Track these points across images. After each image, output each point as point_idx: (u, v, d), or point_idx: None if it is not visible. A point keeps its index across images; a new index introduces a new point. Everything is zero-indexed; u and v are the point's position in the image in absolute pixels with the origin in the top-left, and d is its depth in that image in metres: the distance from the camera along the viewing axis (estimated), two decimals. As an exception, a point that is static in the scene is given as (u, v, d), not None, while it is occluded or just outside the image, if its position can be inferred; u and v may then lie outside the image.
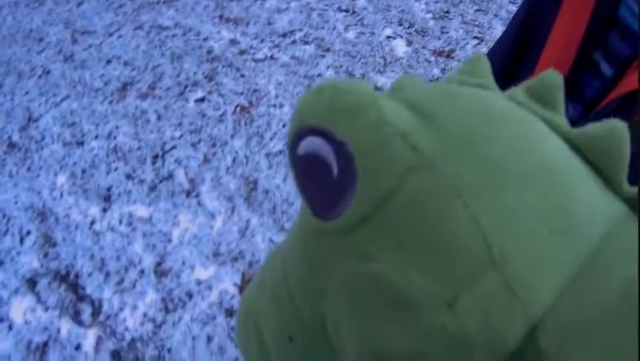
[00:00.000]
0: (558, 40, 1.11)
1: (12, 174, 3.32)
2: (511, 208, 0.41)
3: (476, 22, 4.51)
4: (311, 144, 0.45)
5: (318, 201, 0.47)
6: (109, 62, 4.18)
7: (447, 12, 4.64)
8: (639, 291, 0.38)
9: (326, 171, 0.44)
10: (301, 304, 0.54)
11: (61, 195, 3.18)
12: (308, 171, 0.47)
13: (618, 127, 0.45)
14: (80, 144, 3.49)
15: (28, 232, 3.00)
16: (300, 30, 4.45)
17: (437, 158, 0.42)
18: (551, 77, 0.52)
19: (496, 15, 4.58)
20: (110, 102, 3.79)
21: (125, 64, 4.14)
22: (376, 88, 3.71)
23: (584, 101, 1.04)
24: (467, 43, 4.26)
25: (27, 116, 3.73)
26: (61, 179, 3.27)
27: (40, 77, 4.09)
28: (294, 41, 4.34)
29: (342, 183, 0.44)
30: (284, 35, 4.40)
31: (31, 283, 2.78)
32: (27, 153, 3.45)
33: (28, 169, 3.35)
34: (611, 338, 0.38)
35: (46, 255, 2.89)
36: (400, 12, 4.64)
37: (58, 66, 4.17)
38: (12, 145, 3.52)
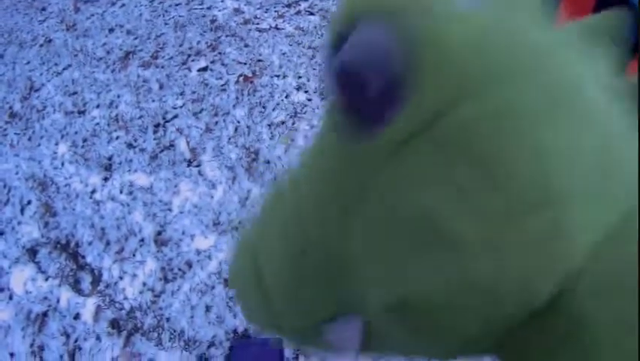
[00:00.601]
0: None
1: (13, 144, 3.31)
2: (571, 144, 0.38)
3: None
4: (370, 35, 0.40)
5: (362, 112, 0.42)
6: (111, 30, 4.16)
7: None
8: None
9: (380, 72, 0.39)
10: (316, 232, 0.50)
11: (62, 164, 3.17)
12: (356, 73, 0.41)
13: None
14: (82, 113, 3.47)
15: (29, 202, 3.00)
16: (305, 0, 4.41)
17: (499, 83, 0.38)
18: (607, 18, 0.48)
19: None
20: (112, 71, 3.77)
21: (128, 33, 4.12)
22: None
23: None
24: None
25: (28, 86, 3.72)
26: (62, 148, 3.26)
27: (41, 46, 4.07)
28: (298, 12, 4.30)
29: (399, 87, 0.39)
30: (289, 5, 4.36)
31: (32, 252, 2.78)
32: (28, 123, 3.45)
33: (29, 139, 3.34)
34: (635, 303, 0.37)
35: (46, 224, 2.88)
36: None
37: (60, 35, 4.16)
38: (13, 115, 3.51)
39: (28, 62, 3.92)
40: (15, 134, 3.37)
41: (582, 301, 0.38)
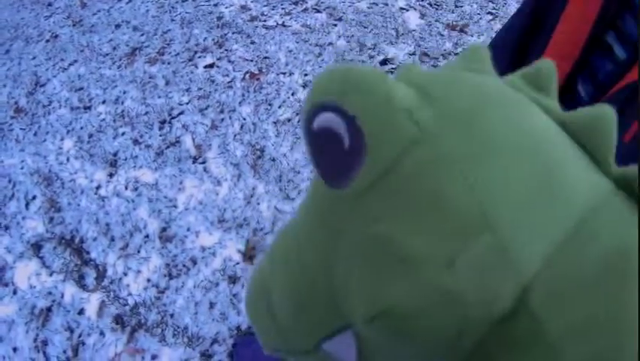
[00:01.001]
0: (571, 20, 1.09)
1: (19, 139, 3.32)
2: (505, 177, 0.44)
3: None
4: (325, 119, 0.48)
5: (331, 172, 0.50)
6: (118, 26, 4.17)
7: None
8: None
9: (338, 144, 0.48)
10: (315, 269, 0.57)
11: (68, 159, 3.18)
12: (322, 144, 0.50)
13: (608, 109, 0.49)
14: (87, 108, 3.48)
15: (34, 197, 3.01)
16: None
17: (437, 132, 0.45)
18: (546, 66, 0.56)
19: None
20: (119, 67, 3.77)
21: (135, 29, 4.12)
22: (386, 60, 3.69)
23: (597, 82, 1.03)
24: (481, 18, 4.21)
25: (34, 81, 3.73)
26: (68, 144, 3.27)
27: (47, 41, 4.08)
28: (305, 9, 4.30)
29: (353, 154, 0.47)
30: (295, 3, 4.36)
31: (36, 247, 2.79)
32: (34, 118, 3.45)
33: (35, 134, 3.35)
34: (591, 304, 0.41)
35: (51, 220, 2.89)
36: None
37: (66, 31, 4.16)
38: (19, 110, 3.52)
39: (34, 58, 3.93)
40: (20, 129, 3.38)
41: (536, 308, 0.43)
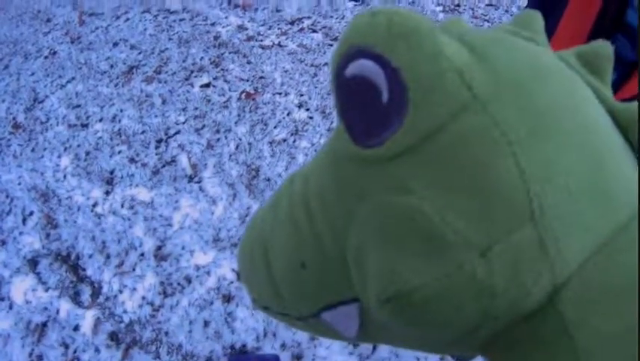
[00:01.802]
0: (562, 40, 1.11)
1: (16, 155, 3.34)
2: (556, 163, 0.41)
3: (487, 17, 4.51)
4: (362, 66, 0.43)
5: (361, 127, 0.46)
6: (116, 44, 4.19)
7: (457, 5, 4.64)
8: None
9: (374, 97, 0.43)
10: (322, 228, 0.53)
11: (65, 176, 3.20)
12: (355, 95, 0.45)
13: None
14: (85, 126, 3.50)
15: (31, 213, 3.03)
16: (309, 18, 4.45)
17: (490, 100, 0.42)
18: (603, 48, 0.53)
19: (506, 11, 4.58)
20: (116, 85, 3.80)
21: (132, 47, 4.15)
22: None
23: None
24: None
25: (32, 97, 3.75)
26: (65, 161, 3.29)
27: (46, 58, 4.10)
28: (301, 29, 4.34)
29: (391, 111, 0.43)
30: (292, 23, 4.40)
31: (33, 263, 2.80)
32: (32, 134, 3.47)
33: (33, 150, 3.37)
34: (628, 311, 0.39)
35: (47, 236, 2.91)
36: (409, 3, 4.67)
37: (64, 48, 4.19)
38: (17, 126, 3.54)
39: (33, 74, 3.96)
40: (18, 145, 3.40)
41: (566, 311, 0.41)
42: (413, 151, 0.43)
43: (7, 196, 3.09)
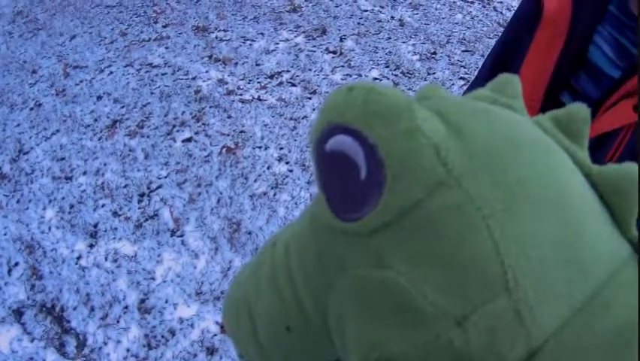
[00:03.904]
0: (527, 79, 1.11)
1: (2, 205, 3.39)
2: (529, 235, 0.41)
3: (463, 63, 4.62)
4: (341, 142, 0.44)
5: (340, 201, 0.47)
6: (99, 98, 4.25)
7: (434, 53, 4.74)
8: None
9: (353, 173, 0.44)
10: (303, 295, 0.55)
11: (49, 228, 3.24)
12: (334, 170, 0.46)
13: (635, 171, 0.47)
14: (69, 179, 3.55)
15: (16, 264, 3.06)
16: (288, 71, 4.52)
17: (465, 176, 0.42)
18: (579, 111, 0.53)
19: (482, 55, 4.68)
20: (100, 139, 3.86)
21: (115, 101, 4.20)
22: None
23: None
24: (453, 84, 4.35)
25: (18, 148, 3.80)
26: (50, 213, 3.34)
27: (31, 109, 4.15)
28: (280, 83, 4.40)
29: (369, 187, 0.44)
30: (271, 77, 4.46)
31: (18, 313, 2.84)
32: (17, 185, 3.52)
33: (18, 201, 3.41)
34: None
35: (32, 287, 2.95)
36: (387, 54, 4.75)
37: (49, 100, 4.24)
38: (2, 176, 3.58)
39: (19, 125, 4.01)
40: (4, 195, 3.45)
41: None
42: (390, 227, 0.44)
43: (-7, 247, 3.14)
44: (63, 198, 3.42)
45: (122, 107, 4.15)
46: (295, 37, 4.98)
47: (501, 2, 5.66)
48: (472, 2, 5.68)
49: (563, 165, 0.48)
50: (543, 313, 0.41)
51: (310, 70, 4.55)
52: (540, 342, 0.41)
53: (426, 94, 0.57)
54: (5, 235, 3.22)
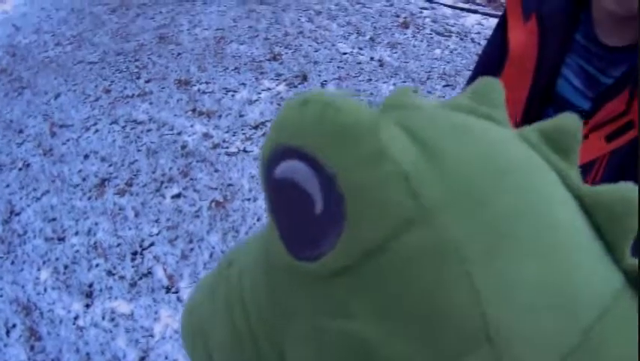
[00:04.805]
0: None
1: (-4, 267, 3.41)
2: (514, 280, 0.37)
3: (444, 98, 4.63)
4: (292, 169, 0.39)
5: (292, 236, 0.42)
6: (86, 157, 4.28)
7: (414, 92, 4.74)
8: None
9: (307, 205, 0.39)
10: (258, 332, 0.50)
11: (45, 289, 3.27)
12: (284, 199, 0.41)
13: (633, 196, 0.41)
14: (61, 239, 3.58)
15: (14, 325, 3.09)
16: (271, 121, 4.47)
17: (439, 211, 0.37)
18: (569, 123, 0.47)
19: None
20: (89, 198, 3.89)
21: (103, 159, 4.24)
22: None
23: None
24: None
25: (9, 210, 3.83)
26: (45, 274, 3.36)
27: (20, 169, 4.19)
28: (265, 133, 4.41)
29: (326, 223, 0.38)
30: (255, 127, 4.50)
31: (19, 375, 2.84)
32: (10, 247, 3.55)
33: (12, 263, 3.44)
34: None
35: (32, 348, 2.97)
36: (369, 95, 4.79)
37: (37, 159, 4.28)
38: (-5, 238, 3.61)
39: (8, 185, 4.05)
40: (-2, 257, 3.47)
41: None
42: (352, 271, 0.39)
43: (-10, 309, 3.17)
44: (57, 259, 3.45)
45: (110, 165, 4.19)
46: (277, 85, 5.03)
47: (478, 33, 5.78)
48: (449, 36, 5.78)
49: (551, 191, 0.43)
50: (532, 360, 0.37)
51: (293, 118, 4.57)
52: None
53: (395, 101, 0.49)
54: (1, 296, 3.24)
